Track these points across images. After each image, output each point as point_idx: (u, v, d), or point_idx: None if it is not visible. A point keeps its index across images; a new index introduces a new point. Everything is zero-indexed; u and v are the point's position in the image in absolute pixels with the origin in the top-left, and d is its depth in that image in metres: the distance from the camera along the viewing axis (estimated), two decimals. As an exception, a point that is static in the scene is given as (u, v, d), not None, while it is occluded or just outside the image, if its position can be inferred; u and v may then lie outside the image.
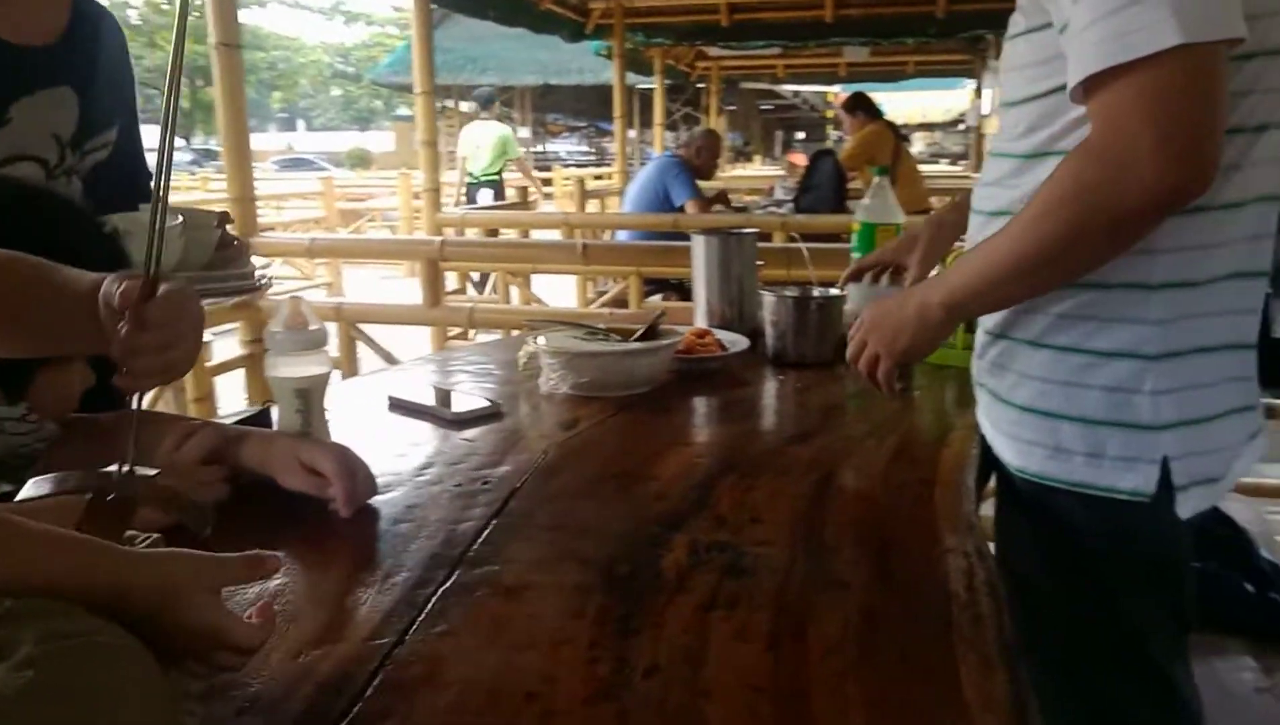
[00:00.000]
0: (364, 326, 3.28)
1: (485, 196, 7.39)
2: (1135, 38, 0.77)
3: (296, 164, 21.72)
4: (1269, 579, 1.50)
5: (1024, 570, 0.95)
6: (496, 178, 7.69)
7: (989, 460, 1.10)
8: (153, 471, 0.70)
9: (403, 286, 8.54)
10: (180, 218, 1.11)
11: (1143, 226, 0.84)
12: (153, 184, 0.68)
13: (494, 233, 5.13)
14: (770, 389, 1.45)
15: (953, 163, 16.33)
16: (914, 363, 1.09)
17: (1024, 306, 0.97)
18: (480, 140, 7.70)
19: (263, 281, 1.35)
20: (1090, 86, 0.82)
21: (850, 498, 1.00)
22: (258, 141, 3.37)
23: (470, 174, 7.67)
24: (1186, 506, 0.92)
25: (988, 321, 1.05)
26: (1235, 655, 1.38)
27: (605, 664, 0.66)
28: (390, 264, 9.22)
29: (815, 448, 1.14)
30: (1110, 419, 0.92)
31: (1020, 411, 0.99)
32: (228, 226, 1.30)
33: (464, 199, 7.44)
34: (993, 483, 1.12)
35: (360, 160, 24.56)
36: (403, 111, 29.52)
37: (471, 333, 4.00)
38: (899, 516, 0.95)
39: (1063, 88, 0.87)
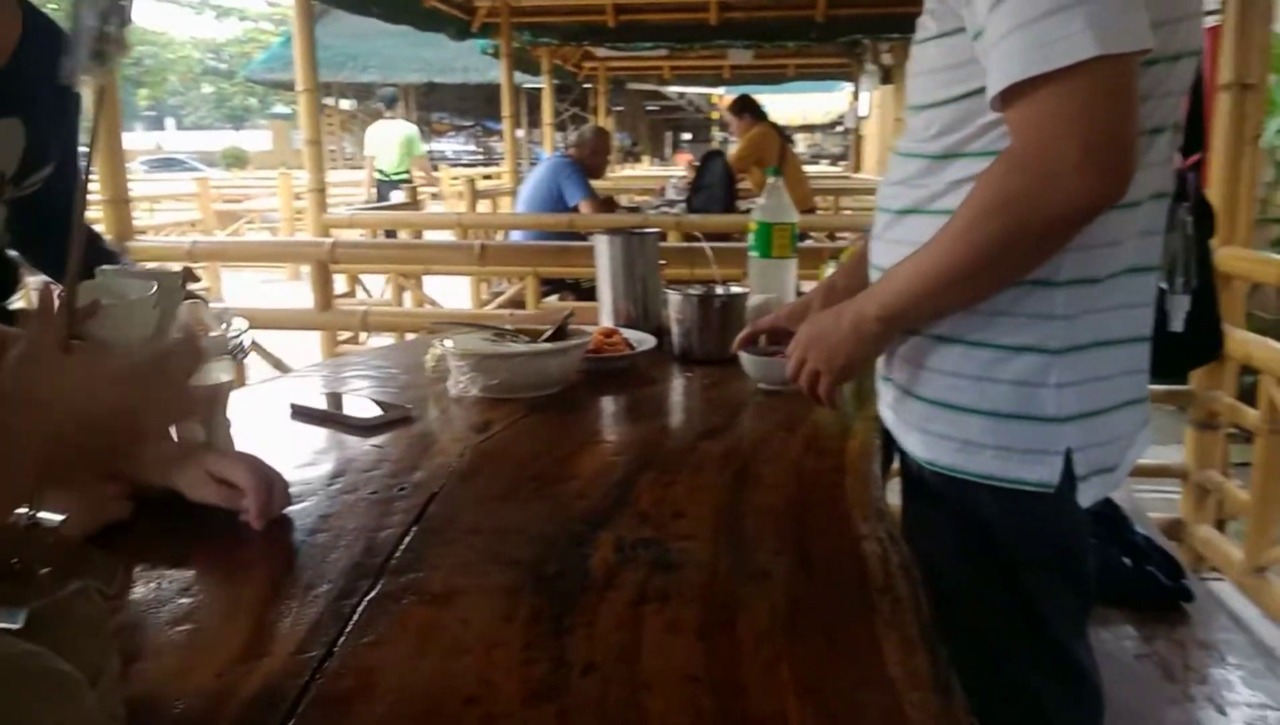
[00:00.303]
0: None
1: (399, 196, 7.63)
2: (1055, 48, 0.79)
3: (167, 164, 20.73)
4: (1144, 553, 1.60)
5: (933, 558, 0.97)
6: (407, 176, 7.97)
7: (891, 453, 1.13)
8: (58, 518, 0.66)
9: (286, 291, 8.26)
10: (155, 285, 0.98)
11: (1070, 233, 0.86)
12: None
13: (392, 233, 5.02)
14: (679, 386, 1.47)
15: (833, 163, 16.81)
16: (854, 377, 1.08)
17: None
18: (387, 139, 8.01)
19: (242, 348, 1.24)
20: (1010, 95, 0.83)
21: (766, 489, 1.02)
22: (124, 141, 3.20)
23: (381, 172, 7.97)
24: (1087, 496, 0.96)
25: None
26: (1117, 625, 1.47)
27: (542, 664, 0.66)
28: (272, 267, 8.90)
29: (728, 442, 1.16)
30: (1017, 412, 0.95)
31: (930, 406, 1.01)
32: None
33: (375, 197, 7.71)
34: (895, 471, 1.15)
35: (236, 160, 23.58)
36: (280, 109, 28.52)
37: (363, 337, 3.91)
38: (814, 506, 0.98)
39: (975, 92, 0.90)
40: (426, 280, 4.96)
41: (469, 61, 12.09)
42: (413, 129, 8.38)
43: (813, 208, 5.99)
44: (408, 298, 4.90)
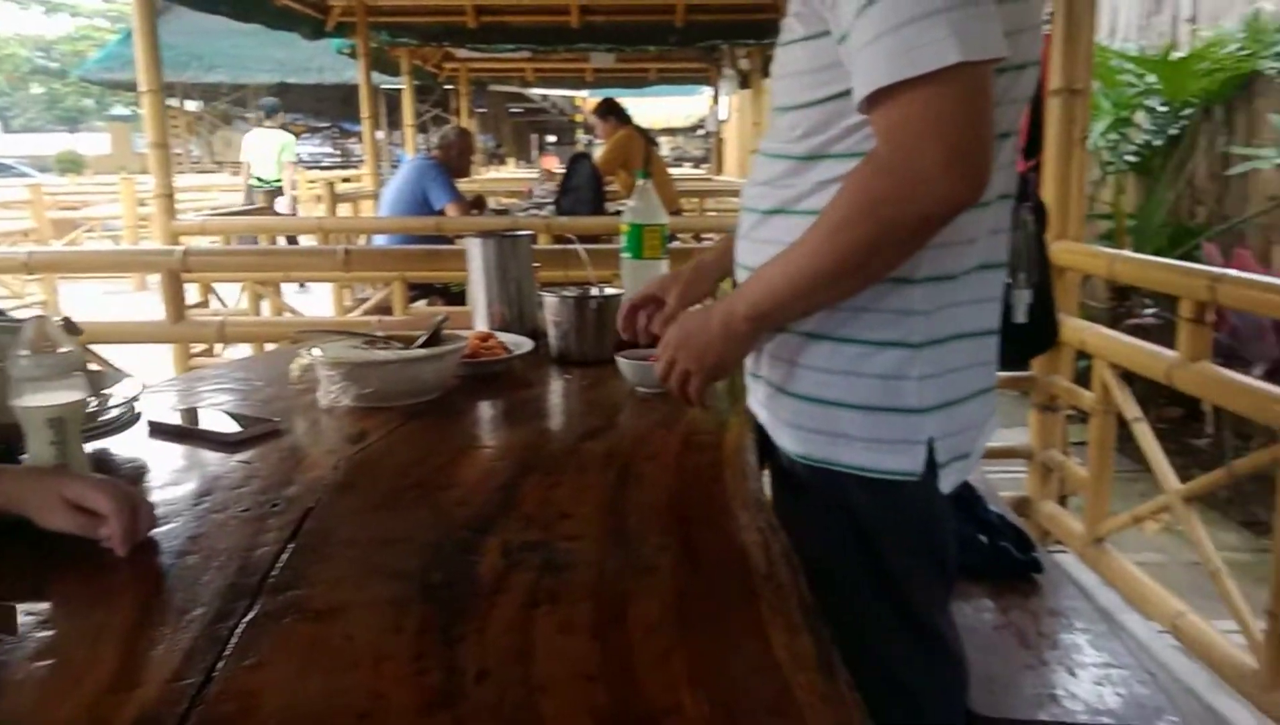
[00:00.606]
0: (97, 347, 2.97)
1: (280, 204, 8.18)
2: (920, 54, 0.82)
3: (-5, 169, 19.18)
4: (998, 530, 1.70)
5: (806, 549, 0.97)
6: (281, 183, 8.49)
7: (763, 448, 1.16)
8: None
9: (132, 302, 7.79)
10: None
11: (933, 232, 0.90)
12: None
13: (262, 240, 4.80)
14: (557, 388, 1.47)
15: (696, 166, 17.10)
16: (724, 376, 1.09)
17: None
18: (264, 146, 8.52)
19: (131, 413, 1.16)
20: (876, 99, 0.86)
21: (649, 487, 1.03)
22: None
23: (259, 179, 8.43)
24: (947, 482, 1.01)
25: None
26: (976, 598, 1.56)
27: (435, 674, 0.65)
28: (115, 278, 8.37)
29: (609, 442, 1.17)
30: (884, 405, 0.99)
31: (801, 401, 1.04)
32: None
33: (251, 203, 8.04)
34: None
35: (72, 164, 22.03)
36: (118, 111, 26.84)
37: (219, 349, 3.73)
38: (695, 500, 1.00)
39: (840, 95, 0.92)
40: (288, 289, 4.78)
41: (324, 61, 11.72)
42: (289, 138, 8.79)
43: (678, 210, 6.09)
44: (265, 307, 4.71)
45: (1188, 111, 4.39)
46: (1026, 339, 1.12)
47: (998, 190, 0.99)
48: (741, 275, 1.12)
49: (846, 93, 0.91)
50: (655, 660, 0.68)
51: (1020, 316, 1.10)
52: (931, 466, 0.99)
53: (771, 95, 1.07)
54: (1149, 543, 2.86)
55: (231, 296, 5.50)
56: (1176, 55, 4.20)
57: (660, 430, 1.22)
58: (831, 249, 0.91)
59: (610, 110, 5.72)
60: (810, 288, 0.95)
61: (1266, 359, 3.51)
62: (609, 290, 1.61)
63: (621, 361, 1.37)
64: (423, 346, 1.38)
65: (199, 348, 3.66)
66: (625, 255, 1.72)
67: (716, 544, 0.89)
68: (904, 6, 0.82)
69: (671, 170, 9.33)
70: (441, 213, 4.33)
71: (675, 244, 3.89)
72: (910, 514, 1.02)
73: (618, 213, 3.87)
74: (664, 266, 1.75)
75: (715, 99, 10.83)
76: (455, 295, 3.88)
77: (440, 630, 0.71)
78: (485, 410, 1.36)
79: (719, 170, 11.37)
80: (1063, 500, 2.86)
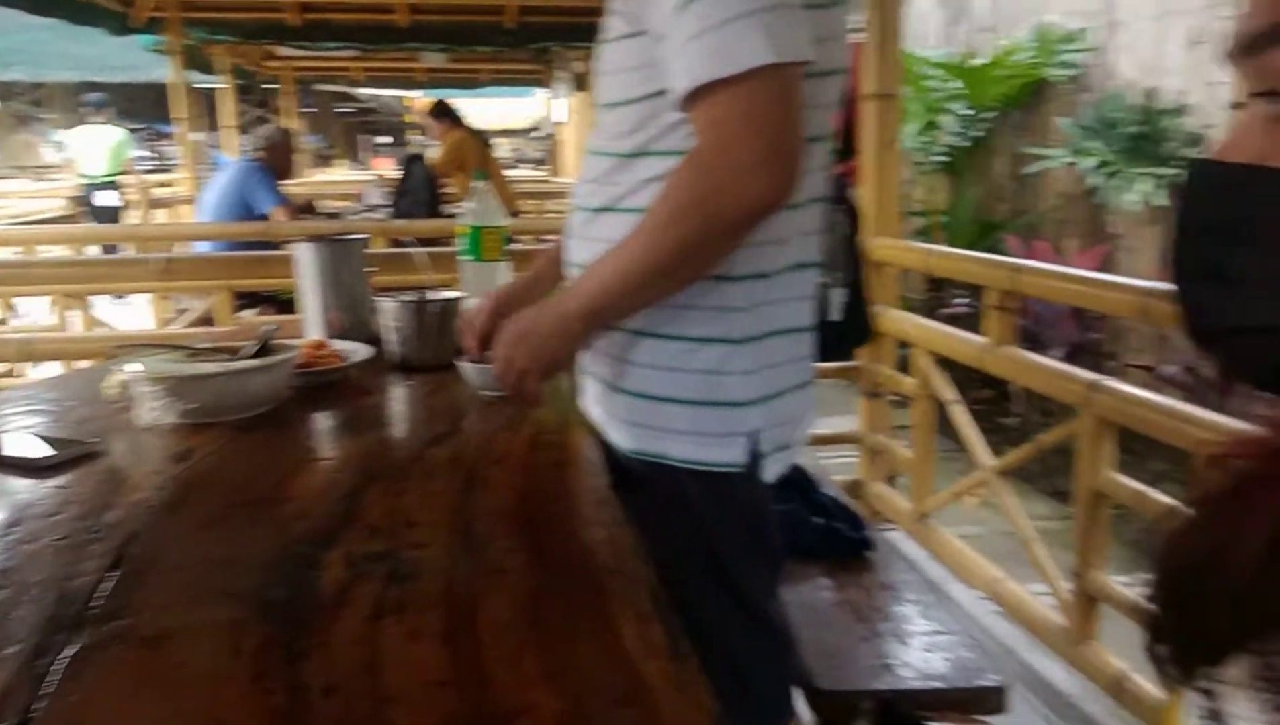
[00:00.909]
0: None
1: (107, 198, 8.06)
2: (734, 54, 0.85)
3: None
4: (831, 511, 1.80)
5: (647, 541, 1.02)
6: (114, 180, 8.31)
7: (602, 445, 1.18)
8: None
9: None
10: None
11: (752, 228, 0.93)
12: None
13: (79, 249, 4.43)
14: (399, 395, 1.44)
15: (535, 167, 17.03)
16: (559, 373, 1.10)
17: None
18: (94, 143, 8.35)
19: None
20: (694, 97, 0.89)
21: (496, 490, 1.03)
22: None
23: (88, 177, 8.25)
24: (770, 471, 1.06)
25: None
26: (814, 578, 1.64)
27: (279, 694, 0.63)
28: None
29: (454, 447, 1.16)
30: (708, 399, 1.03)
31: (632, 398, 1.06)
32: None
33: (80, 203, 8.04)
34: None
35: None
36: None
37: (24, 368, 3.44)
38: (543, 500, 1.01)
39: (661, 92, 0.95)
40: (101, 301, 4.44)
41: (134, 58, 10.96)
42: (123, 133, 8.62)
43: (517, 211, 6.06)
44: (75, 320, 4.36)
45: (988, 115, 4.74)
46: (843, 335, 1.18)
47: (810, 193, 1.04)
48: (573, 273, 1.14)
49: (666, 90, 0.93)
50: (507, 661, 0.68)
51: (835, 314, 1.17)
52: (755, 457, 1.03)
53: (596, 92, 1.08)
54: (969, 516, 3.07)
55: (31, 310, 5.07)
56: (976, 63, 4.53)
57: (506, 433, 1.22)
58: (659, 245, 0.93)
59: (443, 112, 5.64)
60: (640, 283, 0.97)
61: (1064, 342, 3.84)
62: (449, 293, 1.60)
63: (463, 365, 1.36)
64: (253, 357, 1.32)
65: (1, 368, 3.37)
66: (465, 258, 1.71)
67: (566, 542, 0.90)
68: (718, 8, 0.85)
69: (510, 172, 9.26)
70: (266, 217, 4.14)
71: (516, 246, 3.88)
72: (738, 503, 1.06)
73: (456, 215, 3.81)
74: (505, 268, 1.75)
75: (551, 101, 10.83)
76: (286, 303, 3.72)
77: (282, 648, 0.69)
78: (323, 421, 1.32)
79: (558, 172, 11.39)
80: (891, 481, 3.03)
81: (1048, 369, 2.16)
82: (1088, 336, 3.87)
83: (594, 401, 1.13)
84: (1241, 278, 0.40)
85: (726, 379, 1.02)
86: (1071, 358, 3.73)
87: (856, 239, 1.23)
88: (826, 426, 3.20)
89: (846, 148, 1.15)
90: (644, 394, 1.05)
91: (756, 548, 1.10)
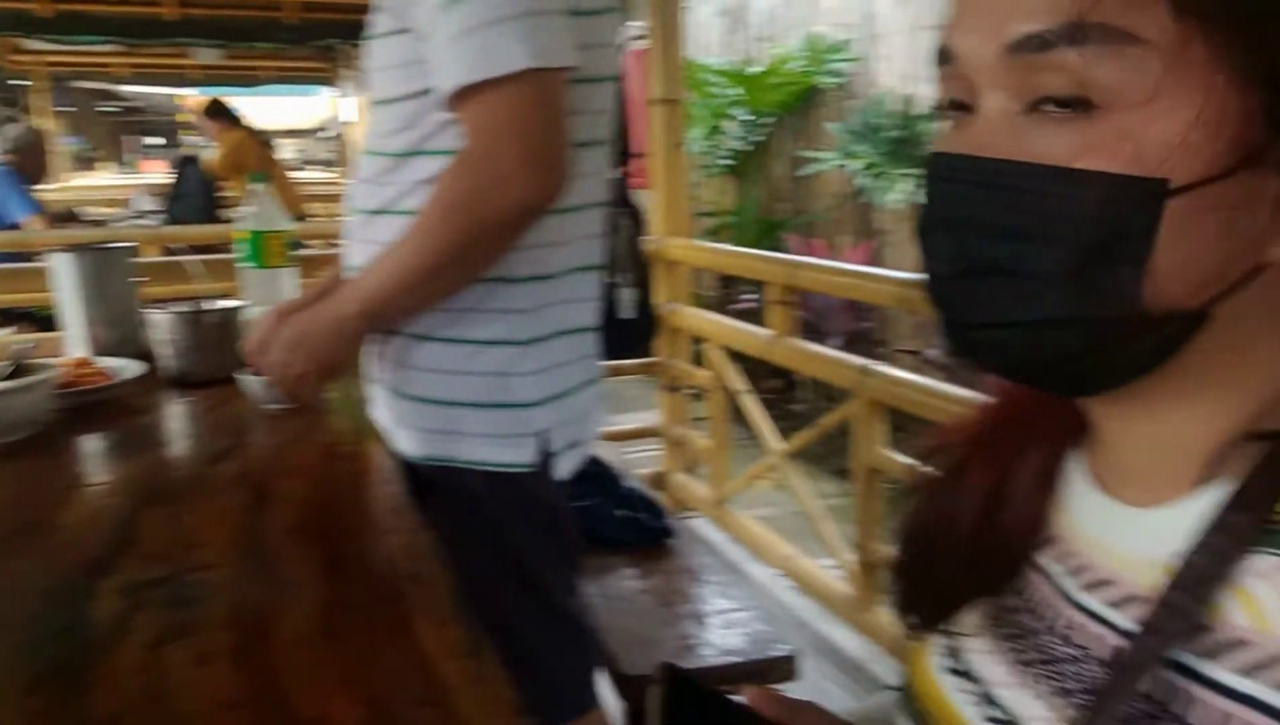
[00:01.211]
0: None
1: None
2: (495, 57, 0.86)
3: None
4: (633, 503, 1.86)
5: (443, 544, 0.97)
6: None
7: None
8: None
9: None
10: None
11: (521, 229, 0.95)
12: None
13: None
14: (176, 412, 1.37)
15: (325, 169, 16.34)
16: (338, 376, 1.08)
17: None
18: None
19: None
20: (458, 98, 0.90)
21: (287, 504, 1.01)
22: None
23: None
24: (563, 468, 1.08)
25: None
26: (620, 568, 1.69)
27: (54, 731, 0.60)
28: None
29: (241, 462, 1.12)
30: (496, 401, 1.04)
31: (419, 403, 1.06)
32: None
33: None
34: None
35: None
36: None
37: None
38: (338, 510, 1.00)
39: (428, 91, 0.94)
40: None
41: None
42: None
43: (303, 215, 5.81)
44: None
45: (768, 120, 5.01)
46: (634, 332, 1.22)
47: (589, 197, 1.07)
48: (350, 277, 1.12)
49: (431, 89, 0.93)
50: (303, 675, 0.68)
51: (626, 312, 1.21)
52: (546, 455, 1.05)
53: (368, 88, 1.07)
54: (765, 499, 3.24)
55: None
56: (754, 70, 4.77)
57: (295, 445, 1.19)
58: (430, 245, 0.94)
59: (219, 111, 5.34)
60: (415, 283, 0.97)
61: (841, 331, 4.13)
62: (228, 303, 1.52)
63: (244, 378, 1.31)
64: (5, 379, 1.22)
65: None
66: (246, 264, 1.64)
67: (361, 552, 0.90)
68: (479, 10, 0.87)
69: (297, 174, 8.85)
70: (17, 226, 3.77)
71: (306, 251, 3.72)
72: (530, 502, 1.07)
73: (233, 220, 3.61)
74: (290, 274, 1.69)
75: (338, 100, 10.44)
76: (45, 320, 3.40)
77: (60, 683, 0.66)
78: (92, 444, 1.23)
79: (348, 173, 10.98)
80: (692, 470, 3.15)
81: (825, 357, 2.32)
82: (861, 326, 4.18)
83: (382, 408, 1.12)
84: (1011, 271, 0.40)
85: (513, 380, 1.03)
86: (848, 346, 4.01)
87: (640, 240, 1.28)
88: (630, 422, 3.28)
89: (624, 151, 1.19)
90: (431, 399, 1.05)
91: (552, 543, 1.12)
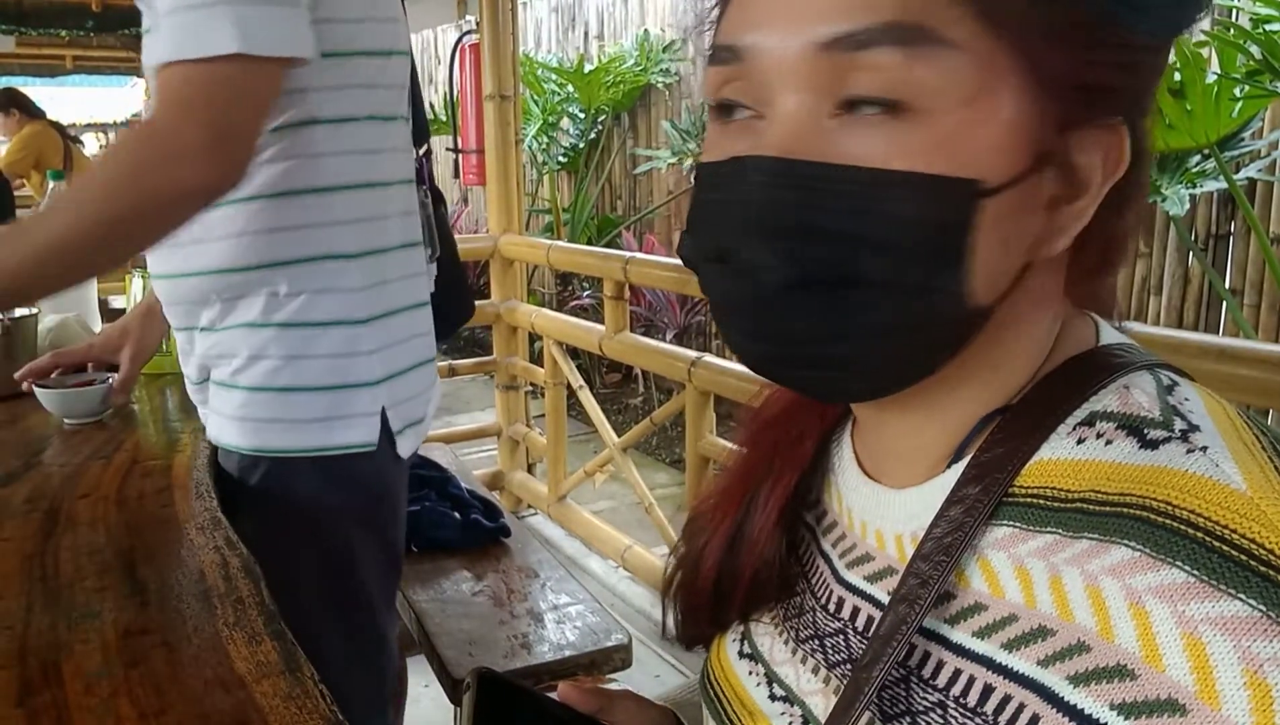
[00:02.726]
0: None
1: None
2: (201, 38, 0.85)
3: None
4: (468, 504, 1.85)
5: (264, 549, 0.93)
6: None
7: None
8: None
9: None
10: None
11: (192, 210, 0.89)
12: None
13: None
14: (-40, 433, 1.26)
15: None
16: None
17: (238, 291, 1.00)
18: None
19: None
20: (164, 72, 0.87)
21: (85, 526, 0.95)
22: None
23: None
24: (405, 447, 1.07)
25: (204, 314, 1.03)
26: (454, 571, 1.68)
27: None
28: None
29: (32, 485, 1.05)
30: (336, 383, 1.01)
31: (251, 393, 1.02)
32: None
33: None
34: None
35: None
36: None
37: None
38: (144, 530, 0.95)
39: None
40: None
41: None
42: None
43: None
44: None
45: (602, 118, 5.06)
46: (443, 314, 1.21)
47: (398, 174, 1.07)
48: (157, 285, 1.08)
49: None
50: (98, 708, 0.65)
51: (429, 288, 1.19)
52: (388, 434, 1.04)
53: (147, 85, 1.04)
54: (602, 492, 3.28)
55: None
56: (588, 68, 4.81)
57: (97, 462, 1.12)
58: (91, 215, 0.88)
59: (13, 102, 4.94)
60: (66, 257, 0.90)
61: (673, 326, 4.23)
62: (21, 311, 1.42)
63: (41, 392, 1.22)
64: None
65: None
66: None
67: (170, 572, 0.86)
68: None
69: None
70: None
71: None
72: (370, 484, 1.05)
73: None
74: (91, 282, 1.59)
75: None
76: None
77: None
78: None
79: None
80: (531, 468, 3.16)
81: (658, 350, 2.38)
82: (693, 319, 4.29)
83: (206, 408, 1.08)
84: (847, 278, 0.39)
85: (354, 360, 1.02)
86: (679, 339, 4.12)
87: (441, 215, 1.28)
88: (469, 422, 3.25)
89: (418, 132, 1.18)
90: (265, 387, 1.01)
91: (377, 543, 1.10)
